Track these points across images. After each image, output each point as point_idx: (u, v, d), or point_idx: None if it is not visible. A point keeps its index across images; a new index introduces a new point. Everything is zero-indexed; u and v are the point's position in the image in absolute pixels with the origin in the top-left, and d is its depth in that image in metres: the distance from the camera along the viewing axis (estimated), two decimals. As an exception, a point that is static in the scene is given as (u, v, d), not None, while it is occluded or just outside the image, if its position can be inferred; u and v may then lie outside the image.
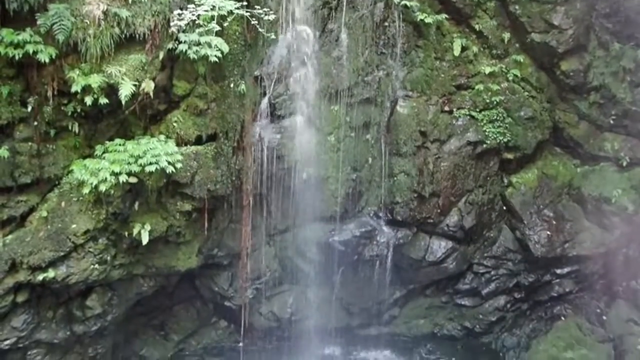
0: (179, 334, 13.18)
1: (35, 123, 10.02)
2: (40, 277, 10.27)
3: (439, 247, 13.40)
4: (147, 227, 10.72)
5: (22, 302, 10.60)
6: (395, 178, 12.94)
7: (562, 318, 13.53)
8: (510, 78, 13.35)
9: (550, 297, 13.88)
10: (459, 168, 13.14)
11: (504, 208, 13.75)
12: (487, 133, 13.14)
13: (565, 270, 13.68)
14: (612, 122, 13.42)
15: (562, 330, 13.00)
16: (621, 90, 13.16)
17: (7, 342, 10.59)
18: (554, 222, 13.45)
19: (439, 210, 13.13)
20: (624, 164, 13.34)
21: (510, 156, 13.51)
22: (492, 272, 13.87)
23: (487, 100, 13.17)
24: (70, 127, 10.32)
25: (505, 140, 13.21)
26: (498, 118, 13.19)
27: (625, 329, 12.93)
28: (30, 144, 10.09)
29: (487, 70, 13.22)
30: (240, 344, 12.70)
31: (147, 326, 12.95)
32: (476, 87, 13.21)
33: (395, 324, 14.32)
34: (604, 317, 13.32)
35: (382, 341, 13.96)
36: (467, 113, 13.17)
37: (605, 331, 13.01)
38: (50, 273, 10.31)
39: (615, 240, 13.24)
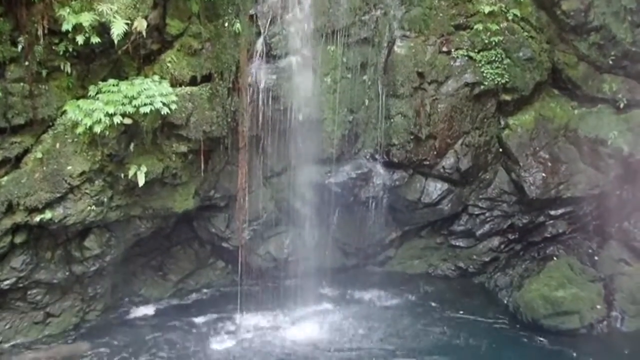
0: (177, 274, 13.36)
1: (27, 63, 9.86)
2: (37, 219, 10.32)
3: (435, 188, 13.45)
4: (143, 168, 10.71)
5: (21, 243, 10.69)
6: (391, 120, 12.85)
7: (555, 258, 13.71)
8: (510, 17, 13.07)
9: (543, 238, 14.06)
10: (456, 110, 13.04)
11: (500, 150, 13.73)
12: (485, 74, 12.98)
13: (559, 211, 13.80)
14: (611, 63, 13.25)
15: (554, 270, 13.19)
16: (622, 31, 12.95)
17: (7, 282, 10.74)
18: (550, 164, 13.48)
19: (435, 152, 13.12)
20: (622, 105, 13.26)
21: (507, 98, 13.38)
22: (487, 214, 13.99)
23: (486, 41, 12.94)
24: (62, 67, 10.16)
25: (503, 81, 13.06)
26: (496, 59, 13.00)
27: (616, 269, 13.16)
28: (22, 84, 9.96)
29: (487, 9, 12.92)
30: (238, 284, 12.86)
31: (145, 267, 13.11)
32: (475, 27, 12.95)
33: (390, 265, 14.55)
34: (596, 257, 13.53)
35: (377, 281, 14.20)
36: (466, 54, 12.95)
37: (597, 271, 13.23)
38: (47, 214, 10.35)
39: (609, 182, 13.31)
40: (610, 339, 12.28)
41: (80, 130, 9.98)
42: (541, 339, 12.20)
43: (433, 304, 13.50)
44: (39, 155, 10.22)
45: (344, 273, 14.18)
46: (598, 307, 12.56)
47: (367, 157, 13.04)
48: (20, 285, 10.97)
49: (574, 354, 11.68)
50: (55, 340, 11.45)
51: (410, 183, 13.38)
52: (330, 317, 12.81)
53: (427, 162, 13.18)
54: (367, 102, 12.72)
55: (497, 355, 11.54)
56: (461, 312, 13.18)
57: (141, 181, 10.65)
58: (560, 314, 12.39)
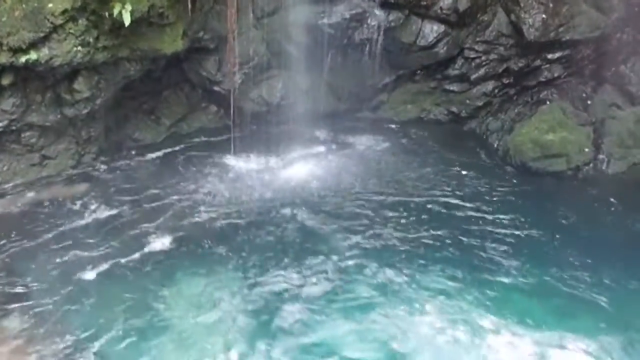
0: (169, 118, 13.36)
1: None
2: (22, 59, 10.06)
3: (431, 31, 13.08)
4: (128, 7, 10.23)
5: (9, 85, 10.52)
6: (388, -45, 12.21)
7: (548, 102, 13.71)
8: None
9: (538, 82, 13.91)
10: (457, -56, 12.34)
11: (501, -11, 13.19)
12: None
13: (557, 55, 13.53)
14: None
15: (546, 114, 13.23)
16: None
17: (-1, 124, 10.77)
18: (551, 5, 12.99)
19: (433, -9, 12.60)
20: (633, -60, 12.56)
21: None
22: (483, 58, 13.73)
23: None
24: None
25: None
26: None
27: (608, 113, 13.23)
28: None
29: None
30: (231, 128, 12.93)
31: (138, 111, 13.07)
32: None
33: (383, 110, 14.55)
34: (589, 102, 13.54)
35: (369, 126, 14.28)
36: None
37: (588, 115, 13.31)
38: (33, 55, 10.08)
39: (611, 24, 12.95)
40: (595, 180, 12.67)
41: (57, -36, 9.42)
42: (528, 180, 12.55)
43: (424, 148, 13.68)
44: (17, -8, 9.74)
45: (336, 117, 14.19)
46: (586, 150, 12.80)
47: (362, -4, 12.53)
48: (13, 127, 10.99)
49: (558, 194, 12.12)
50: (54, 180, 11.70)
51: (405, 25, 12.97)
52: (323, 158, 13.02)
53: (424, 2, 12.70)
54: None
55: (484, 195, 11.93)
56: (452, 154, 13.41)
57: (127, 20, 10.24)
58: (548, 157, 12.65)
